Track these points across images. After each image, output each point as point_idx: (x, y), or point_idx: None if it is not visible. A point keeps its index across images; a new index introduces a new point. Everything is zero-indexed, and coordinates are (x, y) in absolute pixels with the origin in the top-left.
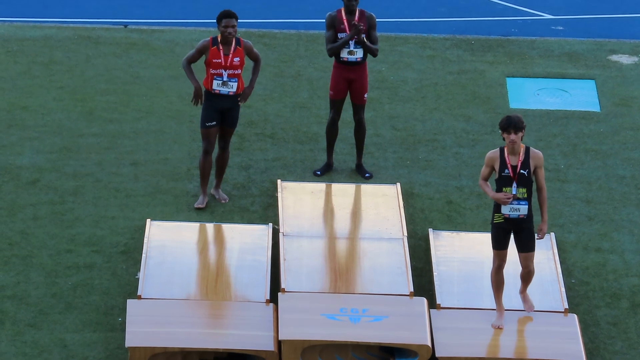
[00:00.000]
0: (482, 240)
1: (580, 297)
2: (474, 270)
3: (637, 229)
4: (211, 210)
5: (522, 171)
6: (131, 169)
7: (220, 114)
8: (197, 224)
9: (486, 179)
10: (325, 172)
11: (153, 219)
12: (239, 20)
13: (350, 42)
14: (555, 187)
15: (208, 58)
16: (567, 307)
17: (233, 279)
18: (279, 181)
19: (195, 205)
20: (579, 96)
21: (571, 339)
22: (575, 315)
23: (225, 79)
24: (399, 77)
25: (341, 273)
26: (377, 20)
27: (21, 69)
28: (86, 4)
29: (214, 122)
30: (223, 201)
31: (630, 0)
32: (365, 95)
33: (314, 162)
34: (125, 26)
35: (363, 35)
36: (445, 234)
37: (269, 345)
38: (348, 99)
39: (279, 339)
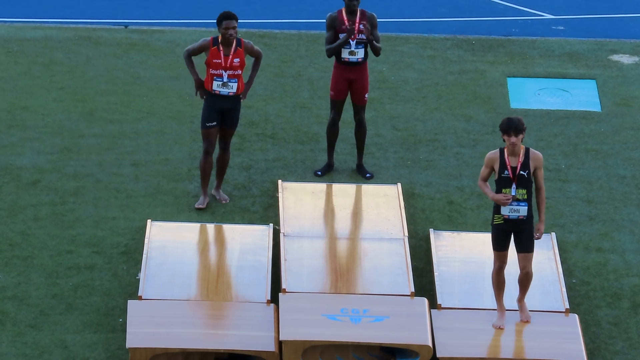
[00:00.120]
0: (483, 241)
1: (581, 297)
2: (475, 271)
3: (638, 228)
4: (212, 211)
5: (521, 172)
6: (132, 170)
7: (221, 115)
8: (197, 225)
9: (485, 180)
10: (326, 173)
11: (154, 219)
12: (239, 21)
13: (351, 42)
14: (556, 187)
15: (208, 58)
16: (568, 307)
17: (234, 279)
18: (279, 181)
19: (196, 206)
20: (580, 96)
21: (572, 339)
22: (576, 315)
23: (225, 79)
24: (399, 77)
25: (342, 273)
26: (377, 20)
27: (22, 70)
28: (87, 5)
29: (214, 123)
30: (224, 201)
31: (631, 0)
32: (366, 96)
33: (315, 162)
34: (126, 27)
35: (363, 36)
36: (446, 234)
37: (270, 346)
38: (349, 99)
39: (280, 339)
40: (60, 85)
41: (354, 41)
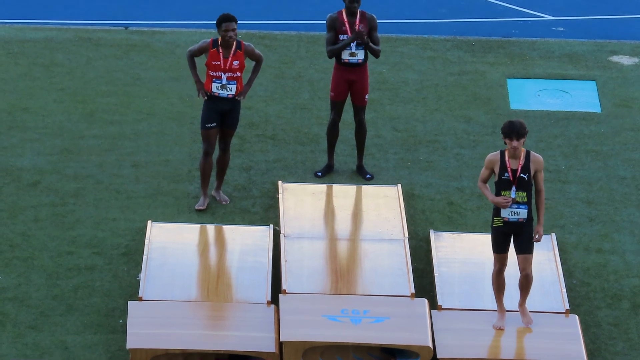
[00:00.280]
0: (483, 241)
1: (581, 298)
2: (475, 272)
3: (638, 229)
4: (212, 212)
5: (522, 175)
6: (132, 171)
7: (220, 116)
8: (198, 226)
9: (485, 181)
10: (326, 174)
11: (154, 220)
12: (239, 22)
13: (351, 44)
14: (556, 188)
15: (207, 60)
16: (568, 308)
17: (234, 280)
18: (279, 182)
19: (196, 207)
20: (580, 97)
21: (572, 340)
22: (577, 316)
23: (224, 81)
24: (399, 78)
25: (342, 274)
26: (377, 21)
27: (22, 71)
28: (87, 6)
29: (214, 124)
30: (224, 202)
31: (631, 1)
32: (366, 97)
33: (315, 163)
34: (126, 28)
35: (367, 38)
36: (446, 235)
37: (270, 347)
38: (349, 101)
39: (280, 340)
40: (60, 86)
41: (354, 43)
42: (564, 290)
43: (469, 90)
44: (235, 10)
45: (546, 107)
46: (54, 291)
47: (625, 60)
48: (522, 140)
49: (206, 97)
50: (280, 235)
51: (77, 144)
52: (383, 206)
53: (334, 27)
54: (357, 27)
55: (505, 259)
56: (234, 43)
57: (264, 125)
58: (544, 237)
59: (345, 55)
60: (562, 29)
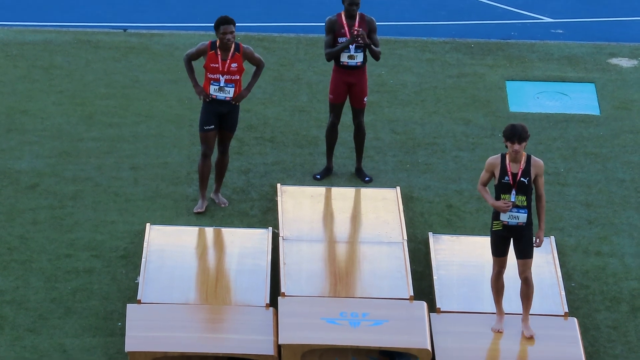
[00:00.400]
0: (482, 244)
1: (580, 300)
2: (474, 274)
3: (637, 232)
4: (211, 215)
5: (522, 179)
6: (131, 173)
7: (219, 118)
8: (196, 228)
9: (485, 185)
10: (325, 176)
11: (153, 223)
12: (238, 24)
13: (350, 46)
14: (555, 191)
15: (206, 62)
16: (567, 310)
17: (233, 283)
18: (278, 185)
19: (195, 210)
20: (579, 99)
21: (571, 342)
22: (575, 319)
23: (222, 84)
24: (398, 80)
25: (341, 277)
26: (377, 23)
27: (21, 73)
28: (86, 9)
29: (212, 126)
30: (223, 205)
31: (630, 4)
32: (365, 99)
33: (314, 166)
34: (125, 30)
35: (368, 40)
36: (445, 238)
37: (269, 350)
38: (348, 103)
39: (279, 343)
40: (59, 88)
41: (353, 45)
42: (563, 292)
43: (467, 93)
44: (234, 12)
45: (545, 110)
46: (52, 294)
47: (625, 62)
48: (523, 144)
49: (209, 99)
50: (279, 237)
51: (75, 147)
52: (382, 209)
53: (333, 29)
54: (355, 29)
55: (505, 262)
56: (232, 45)
57: (263, 128)
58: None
59: (344, 58)
60: (561, 31)
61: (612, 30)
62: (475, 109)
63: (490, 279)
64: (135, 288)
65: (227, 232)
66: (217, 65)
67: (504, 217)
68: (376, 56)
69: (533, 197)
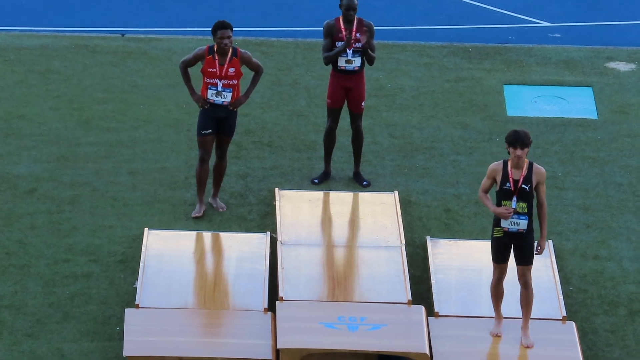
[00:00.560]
0: (480, 248)
1: (578, 304)
2: (472, 278)
3: (635, 236)
4: (209, 219)
5: (523, 186)
6: (129, 178)
7: (217, 123)
8: (194, 233)
9: (487, 191)
10: (323, 181)
11: (151, 227)
12: (236, 29)
13: (348, 50)
14: (552, 195)
15: (203, 67)
16: (565, 314)
17: (231, 287)
18: (276, 189)
19: (193, 215)
20: (577, 103)
21: (569, 346)
22: (574, 323)
23: (219, 89)
24: (396, 85)
25: (339, 281)
26: (375, 28)
27: (18, 78)
28: (83, 13)
29: (210, 130)
30: (221, 210)
31: (627, 8)
32: (363, 104)
33: (312, 170)
34: (122, 35)
35: (359, 44)
36: (443, 242)
37: (267, 354)
38: (345, 107)
39: (277, 347)
40: (56, 93)
41: (351, 50)
42: (561, 297)
43: (465, 97)
44: (232, 17)
45: (543, 114)
46: (50, 299)
47: (622, 66)
48: (526, 150)
49: (207, 106)
50: (277, 242)
51: (73, 152)
52: (380, 213)
53: (331, 34)
54: (354, 34)
55: (505, 269)
56: (230, 50)
57: (261, 132)
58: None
59: (341, 63)
60: (558, 35)
61: (609, 35)
62: (473, 113)
63: (490, 284)
64: (133, 292)
65: (225, 236)
66: (214, 70)
67: (504, 223)
68: (371, 61)
69: (534, 204)
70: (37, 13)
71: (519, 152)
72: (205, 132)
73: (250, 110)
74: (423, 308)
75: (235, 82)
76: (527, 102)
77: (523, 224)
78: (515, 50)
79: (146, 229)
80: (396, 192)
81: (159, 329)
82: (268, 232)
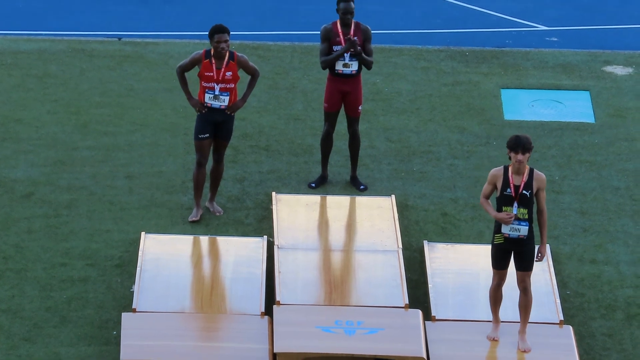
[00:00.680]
0: (477, 252)
1: (575, 308)
2: (469, 282)
3: (632, 240)
4: (206, 223)
5: (524, 192)
6: (126, 182)
7: (214, 127)
8: (191, 237)
9: (488, 197)
10: (320, 185)
11: (148, 231)
12: (233, 33)
13: (345, 54)
14: (550, 199)
15: (200, 71)
16: (562, 318)
17: (228, 291)
18: (273, 193)
19: (190, 219)
20: (574, 107)
21: (566, 350)
22: (571, 327)
23: (217, 92)
24: (393, 88)
25: (336, 285)
26: (372, 32)
27: (15, 82)
28: (80, 17)
29: (207, 135)
30: (217, 214)
31: (624, 12)
32: (360, 108)
33: (309, 174)
34: (119, 39)
35: (359, 48)
36: (440, 246)
37: (264, 358)
38: (342, 111)
39: (274, 351)
40: (53, 97)
41: (348, 54)
42: (558, 301)
43: (462, 101)
44: (229, 21)
45: (540, 118)
46: (47, 303)
47: (619, 70)
48: (527, 155)
49: (205, 110)
50: (274, 246)
51: (70, 155)
52: (377, 217)
53: (328, 38)
54: (349, 37)
55: (504, 275)
56: (227, 54)
57: (258, 136)
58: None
59: (339, 66)
60: (555, 39)
61: (606, 38)
62: (470, 117)
63: (489, 289)
64: (130, 297)
65: (222, 240)
66: (211, 74)
67: (505, 229)
68: (368, 66)
69: (534, 211)
70: (34, 17)
71: (520, 157)
72: (202, 136)
73: (247, 114)
74: (420, 312)
75: (233, 85)
76: (524, 106)
77: (524, 230)
78: (513, 54)
79: (143, 233)
80: (393, 196)
81: (156, 333)
82: (265, 236)
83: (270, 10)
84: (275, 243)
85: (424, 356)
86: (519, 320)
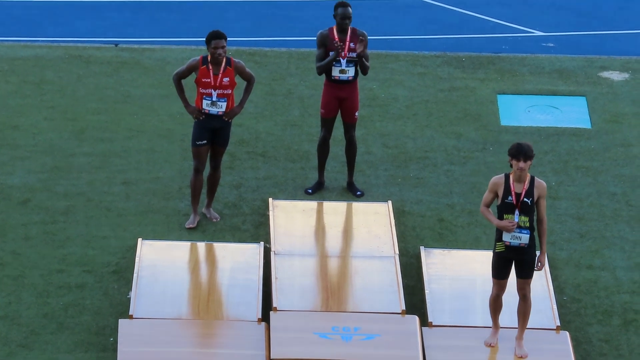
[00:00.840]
0: (474, 258)
1: (572, 314)
2: (466, 288)
3: (629, 245)
4: (203, 229)
5: (525, 199)
6: (122, 188)
7: (211, 133)
8: (188, 243)
9: (488, 205)
10: (317, 191)
11: (144, 238)
12: (229, 39)
13: (342, 60)
14: (546, 204)
15: (197, 77)
16: (559, 324)
17: (225, 298)
18: (270, 199)
19: (186, 225)
20: (570, 113)
21: (563, 356)
22: (567, 333)
23: (214, 99)
24: (389, 94)
25: (333, 291)
26: (368, 37)
27: (12, 89)
28: (77, 24)
29: (205, 141)
30: (214, 220)
31: (620, 17)
32: (356, 114)
33: (305, 180)
34: (116, 45)
35: (354, 54)
36: (437, 252)
37: None
38: (339, 117)
39: (271, 357)
40: (50, 104)
41: (345, 59)
42: (555, 306)
43: (459, 107)
44: (226, 27)
45: (536, 123)
46: (44, 309)
47: (615, 75)
48: (529, 163)
49: (202, 117)
50: (271, 252)
51: (67, 162)
52: (373, 223)
53: (325, 43)
54: (347, 43)
55: (505, 285)
56: (224, 60)
57: (254, 142)
58: (535, 254)
59: (335, 72)
60: (552, 44)
61: (603, 44)
62: (467, 122)
63: (489, 299)
64: (127, 303)
65: (218, 247)
66: (208, 80)
67: (506, 237)
68: (365, 71)
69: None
70: (31, 23)
71: (522, 164)
72: (200, 142)
73: (243, 121)
74: (417, 318)
75: (230, 91)
76: (520, 112)
77: (525, 238)
78: (509, 60)
79: (140, 240)
80: (390, 202)
81: (153, 340)
82: (262, 243)
83: (266, 16)
84: (272, 249)
85: None
86: (516, 326)
